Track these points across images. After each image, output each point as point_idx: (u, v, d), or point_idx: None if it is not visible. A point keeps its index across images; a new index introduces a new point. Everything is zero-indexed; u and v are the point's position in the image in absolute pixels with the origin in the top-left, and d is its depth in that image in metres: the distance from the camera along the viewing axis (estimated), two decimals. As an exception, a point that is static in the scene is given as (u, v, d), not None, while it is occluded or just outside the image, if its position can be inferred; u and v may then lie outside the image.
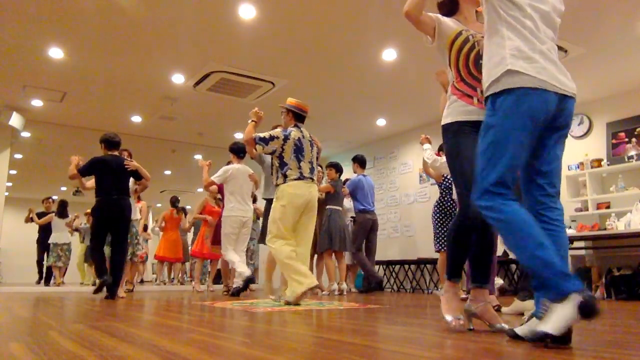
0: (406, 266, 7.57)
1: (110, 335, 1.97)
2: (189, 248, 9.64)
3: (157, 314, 3.06)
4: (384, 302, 4.35)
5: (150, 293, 6.53)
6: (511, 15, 1.81)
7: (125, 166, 4.83)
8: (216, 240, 6.13)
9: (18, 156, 9.48)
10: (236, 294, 5.25)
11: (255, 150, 3.98)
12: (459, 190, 2.16)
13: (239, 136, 8.19)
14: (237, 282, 5.28)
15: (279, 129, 4.05)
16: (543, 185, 1.81)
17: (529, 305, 3.00)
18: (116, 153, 4.98)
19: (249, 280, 5.19)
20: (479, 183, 1.79)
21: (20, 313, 3.16)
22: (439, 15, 2.27)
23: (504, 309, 3.17)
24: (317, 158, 4.21)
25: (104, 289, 4.66)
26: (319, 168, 5.85)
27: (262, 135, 3.93)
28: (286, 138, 3.94)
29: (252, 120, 4.06)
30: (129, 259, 5.30)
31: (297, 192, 3.88)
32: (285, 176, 3.91)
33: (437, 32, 2.21)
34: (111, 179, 4.77)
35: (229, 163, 5.71)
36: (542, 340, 1.58)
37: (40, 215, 8.90)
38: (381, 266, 8.04)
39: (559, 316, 1.52)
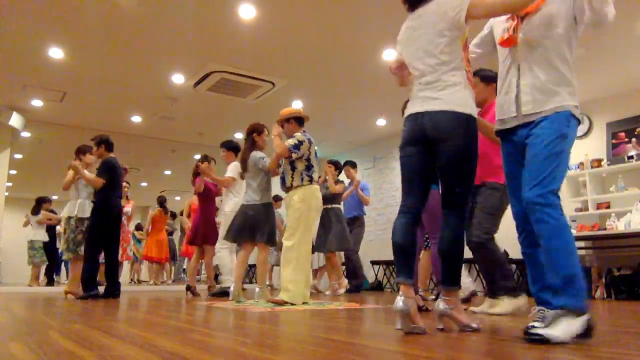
0: (406, 266, 7.56)
1: (110, 335, 1.97)
2: (178, 249, 9.68)
3: (157, 314, 3.06)
4: (383, 302, 4.35)
5: (142, 294, 6.53)
6: (571, 53, 1.97)
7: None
8: (194, 239, 5.80)
9: (18, 156, 9.48)
10: (218, 295, 5.24)
11: (291, 157, 4.00)
12: (447, 190, 2.17)
13: (239, 136, 8.19)
14: (228, 282, 5.24)
15: (299, 134, 4.06)
16: None
17: (521, 302, 3.02)
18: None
19: (226, 292, 5.20)
20: (555, 180, 1.86)
21: (20, 313, 3.16)
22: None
23: (493, 310, 3.12)
24: None
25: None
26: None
27: (292, 142, 3.99)
28: (310, 141, 4.04)
29: (275, 135, 4.14)
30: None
31: (319, 196, 4.04)
32: (311, 178, 3.99)
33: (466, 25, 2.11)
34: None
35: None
36: (543, 341, 1.69)
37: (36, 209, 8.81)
38: (381, 266, 8.04)
39: (570, 327, 1.72)
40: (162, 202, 9.04)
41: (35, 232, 8.30)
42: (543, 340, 1.68)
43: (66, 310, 3.36)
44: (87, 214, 5.04)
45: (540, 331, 1.70)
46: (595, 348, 1.65)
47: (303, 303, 3.86)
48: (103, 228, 4.89)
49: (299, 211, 3.90)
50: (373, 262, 8.07)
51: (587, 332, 1.74)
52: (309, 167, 4.00)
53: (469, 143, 2.08)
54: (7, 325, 2.40)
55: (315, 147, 4.17)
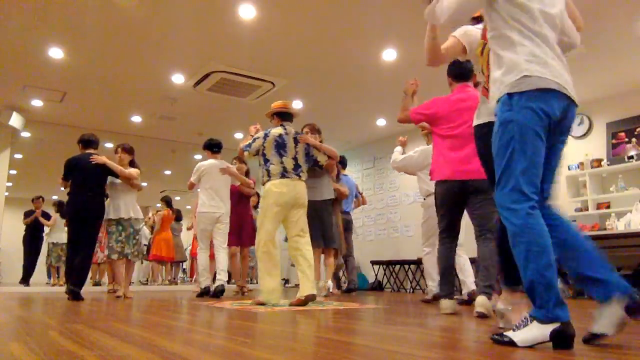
0: (406, 266, 7.57)
1: (110, 335, 1.97)
2: (187, 248, 9.66)
3: (157, 314, 3.06)
4: (383, 302, 4.35)
5: (147, 293, 6.53)
6: (519, 21, 1.80)
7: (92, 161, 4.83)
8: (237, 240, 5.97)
9: (18, 156, 9.48)
10: (201, 295, 5.28)
11: (245, 156, 4.10)
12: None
13: (239, 136, 8.19)
14: (207, 282, 5.37)
15: (261, 131, 4.11)
16: (543, 188, 1.83)
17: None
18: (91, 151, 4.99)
19: (206, 291, 5.28)
20: (511, 176, 1.73)
21: (20, 313, 3.16)
22: (464, 29, 2.37)
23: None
24: (308, 154, 4.14)
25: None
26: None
27: (247, 142, 4.05)
28: (266, 135, 3.99)
29: (250, 135, 4.16)
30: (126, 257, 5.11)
31: (281, 191, 3.84)
32: (268, 173, 3.91)
33: (468, 47, 2.34)
34: (81, 177, 4.81)
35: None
36: (504, 343, 1.69)
37: (28, 214, 8.87)
38: (381, 266, 8.04)
39: (534, 333, 1.63)
40: (168, 201, 9.04)
41: (62, 234, 8.38)
42: (503, 342, 1.69)
43: (66, 310, 3.36)
44: (120, 215, 5.00)
45: (506, 332, 1.72)
46: (595, 348, 1.65)
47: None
48: (71, 228, 4.78)
49: (261, 210, 3.97)
50: (373, 262, 8.07)
51: (561, 340, 1.60)
52: (265, 162, 3.96)
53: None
54: (7, 325, 2.40)
55: (293, 143, 4.02)
